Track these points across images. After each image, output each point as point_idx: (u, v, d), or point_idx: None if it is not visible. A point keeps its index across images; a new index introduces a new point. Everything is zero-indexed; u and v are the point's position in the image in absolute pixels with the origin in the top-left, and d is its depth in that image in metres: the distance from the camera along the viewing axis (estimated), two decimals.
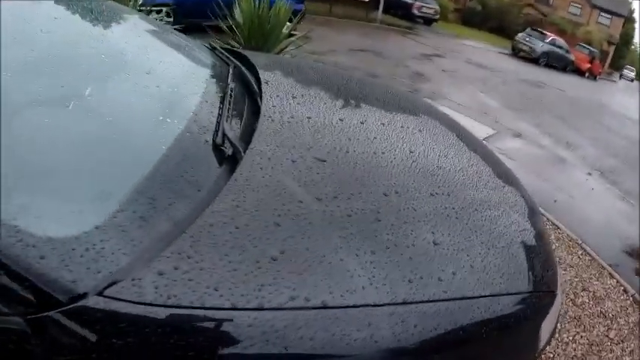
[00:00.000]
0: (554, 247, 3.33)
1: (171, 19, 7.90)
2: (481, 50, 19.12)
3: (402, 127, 1.77)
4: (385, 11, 17.48)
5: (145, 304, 0.85)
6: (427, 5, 20.87)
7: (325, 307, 0.97)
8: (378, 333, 0.98)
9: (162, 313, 0.86)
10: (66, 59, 1.38)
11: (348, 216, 1.19)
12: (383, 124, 1.73)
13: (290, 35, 5.30)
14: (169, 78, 1.60)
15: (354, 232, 1.15)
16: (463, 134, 2.00)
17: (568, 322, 2.79)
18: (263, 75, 1.81)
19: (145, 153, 1.21)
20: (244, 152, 1.28)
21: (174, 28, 2.50)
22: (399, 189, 1.37)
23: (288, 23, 5.27)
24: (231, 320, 0.89)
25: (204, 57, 1.96)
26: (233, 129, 1.42)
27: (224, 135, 1.32)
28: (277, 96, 1.67)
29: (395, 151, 1.56)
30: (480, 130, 6.23)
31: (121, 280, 0.87)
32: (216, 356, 0.89)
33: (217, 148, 1.31)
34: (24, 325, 0.81)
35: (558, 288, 1.41)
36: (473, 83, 10.65)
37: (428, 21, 21.45)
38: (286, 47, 5.11)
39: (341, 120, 1.64)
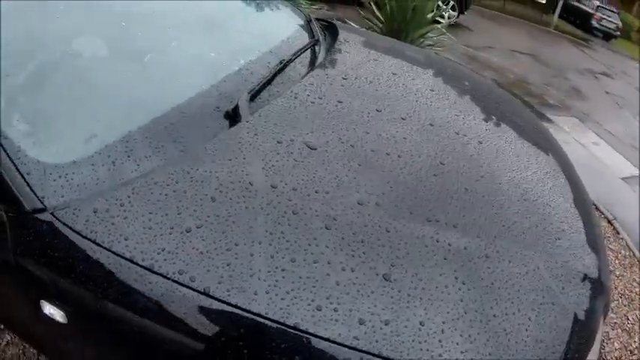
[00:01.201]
0: None
1: None
2: None
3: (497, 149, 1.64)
4: (562, 17, 16.33)
5: (73, 229, 1.03)
6: (608, 19, 19.06)
7: None
8: None
9: (82, 242, 1.02)
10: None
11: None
12: (461, 134, 1.63)
13: (435, 22, 5.18)
14: (234, 32, 1.81)
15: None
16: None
17: None
18: (333, 53, 1.83)
19: (147, 107, 1.35)
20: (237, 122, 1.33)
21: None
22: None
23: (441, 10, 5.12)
24: (120, 266, 1.00)
25: (289, 23, 2.05)
26: (246, 97, 1.44)
27: (236, 103, 1.37)
28: (326, 75, 1.66)
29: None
30: (621, 167, 5.70)
31: (69, 207, 1.06)
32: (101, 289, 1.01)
33: (227, 114, 1.38)
34: (4, 217, 1.08)
35: None
36: (635, 114, 9.73)
37: (607, 36, 19.62)
38: (426, 33, 4.97)
39: (378, 111, 1.57)
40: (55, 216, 1.05)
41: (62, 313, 1.08)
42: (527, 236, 1.33)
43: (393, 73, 1.87)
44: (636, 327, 2.90)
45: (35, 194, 1.07)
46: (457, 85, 2.03)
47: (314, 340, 0.95)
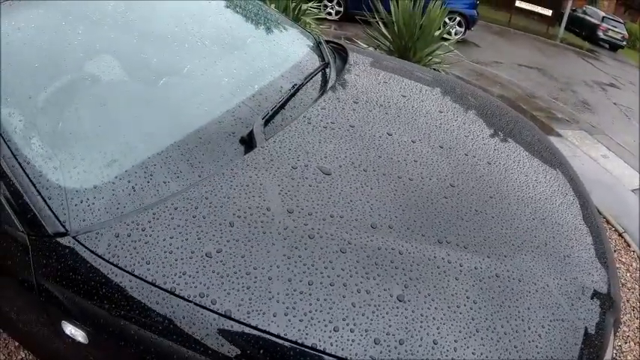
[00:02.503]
0: None
1: (342, 9, 8.82)
2: None
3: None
4: (568, 29, 16.37)
5: (95, 254, 1.08)
6: (614, 29, 19.07)
7: None
8: None
9: (104, 266, 1.07)
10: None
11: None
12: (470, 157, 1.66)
13: (442, 39, 5.24)
14: (251, 56, 1.88)
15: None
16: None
17: None
18: (343, 76, 1.88)
19: (165, 132, 1.40)
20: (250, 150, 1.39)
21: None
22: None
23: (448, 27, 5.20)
24: (142, 289, 1.04)
25: (300, 46, 2.11)
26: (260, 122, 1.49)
27: (252, 129, 1.42)
28: (337, 99, 1.71)
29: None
30: (631, 178, 5.69)
31: (91, 231, 1.11)
32: (123, 311, 1.05)
33: (242, 140, 1.43)
34: (26, 240, 1.14)
35: None
36: None
37: (613, 46, 19.59)
38: (435, 50, 5.01)
39: (389, 135, 1.62)
40: (77, 240, 1.10)
41: (83, 333, 1.12)
42: (537, 254, 1.37)
43: (403, 96, 1.92)
44: None
45: (57, 218, 1.12)
46: (465, 105, 2.07)
47: None
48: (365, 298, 1.09)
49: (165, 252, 1.08)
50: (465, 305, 1.14)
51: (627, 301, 3.19)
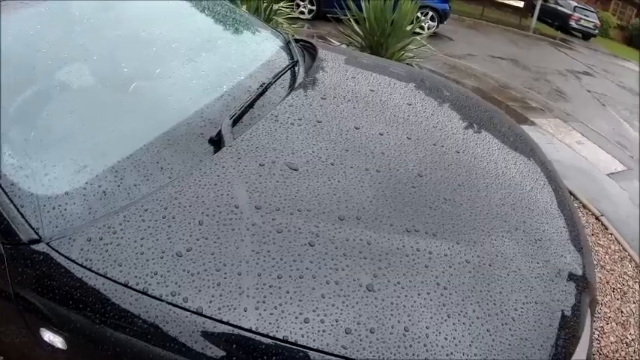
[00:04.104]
0: None
1: (314, 8, 8.84)
2: None
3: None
4: (540, 20, 16.57)
5: (69, 259, 1.08)
6: (587, 18, 19.37)
7: None
8: None
9: (78, 270, 1.07)
10: None
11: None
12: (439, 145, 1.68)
13: (415, 34, 5.25)
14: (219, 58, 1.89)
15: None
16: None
17: None
18: (312, 73, 1.90)
19: (134, 136, 1.40)
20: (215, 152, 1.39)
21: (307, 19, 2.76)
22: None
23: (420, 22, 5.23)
24: (115, 291, 1.04)
25: (269, 45, 2.12)
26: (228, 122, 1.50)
27: (220, 129, 1.43)
28: (305, 95, 1.72)
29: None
30: (607, 163, 5.75)
31: (64, 237, 1.11)
32: (98, 314, 1.05)
33: (211, 140, 1.44)
34: (1, 249, 1.13)
35: None
36: (618, 110, 9.79)
37: (586, 35, 19.92)
38: (407, 45, 5.05)
39: (357, 128, 1.63)
40: (50, 246, 1.10)
41: (62, 339, 1.12)
42: (507, 239, 1.38)
43: (371, 90, 1.92)
44: (631, 319, 2.94)
45: (30, 226, 1.12)
46: (434, 96, 2.09)
47: (303, 352, 1.00)
48: (334, 289, 1.09)
49: (136, 253, 1.09)
50: (435, 292, 1.15)
51: (607, 282, 3.23)
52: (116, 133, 1.40)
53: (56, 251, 1.09)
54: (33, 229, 1.12)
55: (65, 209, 1.17)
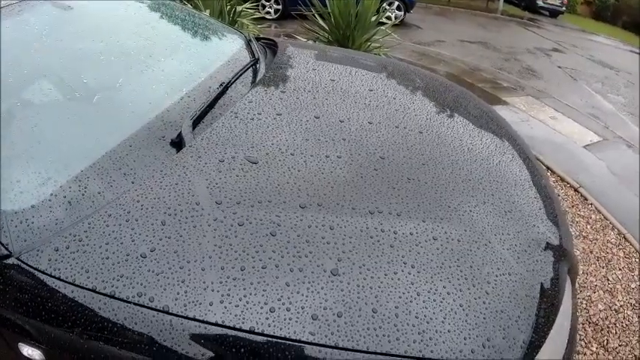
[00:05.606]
0: None
1: (280, 7, 8.80)
2: (609, 47, 17.57)
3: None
4: (507, 2, 16.72)
5: (38, 270, 1.08)
6: None
7: None
8: None
9: (48, 281, 1.06)
10: None
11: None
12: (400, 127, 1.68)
13: (381, 24, 5.26)
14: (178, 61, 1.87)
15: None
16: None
17: None
18: (273, 69, 1.90)
19: (97, 144, 1.39)
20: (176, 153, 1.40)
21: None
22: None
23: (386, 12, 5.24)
24: (84, 297, 1.04)
25: (230, 46, 2.12)
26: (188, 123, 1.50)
27: (180, 131, 1.44)
28: (265, 91, 1.73)
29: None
30: (582, 136, 5.78)
31: (33, 250, 1.10)
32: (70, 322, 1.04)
33: (172, 142, 1.44)
34: None
35: None
36: (590, 83, 9.91)
37: (554, 13, 20.07)
38: (373, 36, 5.06)
39: (317, 117, 1.63)
40: (20, 260, 1.09)
41: (40, 352, 1.11)
42: (475, 213, 1.37)
43: (332, 80, 1.92)
44: (618, 286, 2.96)
45: (0, 242, 1.11)
46: (397, 81, 2.09)
47: (271, 341, 0.99)
48: (298, 276, 1.09)
49: (102, 258, 1.09)
50: (402, 271, 1.14)
51: (591, 252, 3.25)
52: (78, 143, 1.39)
53: (26, 264, 1.09)
54: (2, 244, 1.11)
55: (32, 222, 1.17)
